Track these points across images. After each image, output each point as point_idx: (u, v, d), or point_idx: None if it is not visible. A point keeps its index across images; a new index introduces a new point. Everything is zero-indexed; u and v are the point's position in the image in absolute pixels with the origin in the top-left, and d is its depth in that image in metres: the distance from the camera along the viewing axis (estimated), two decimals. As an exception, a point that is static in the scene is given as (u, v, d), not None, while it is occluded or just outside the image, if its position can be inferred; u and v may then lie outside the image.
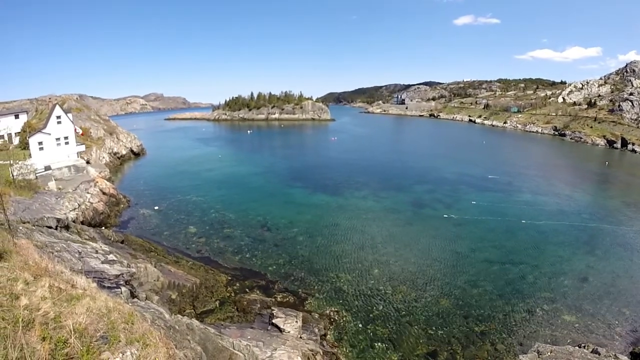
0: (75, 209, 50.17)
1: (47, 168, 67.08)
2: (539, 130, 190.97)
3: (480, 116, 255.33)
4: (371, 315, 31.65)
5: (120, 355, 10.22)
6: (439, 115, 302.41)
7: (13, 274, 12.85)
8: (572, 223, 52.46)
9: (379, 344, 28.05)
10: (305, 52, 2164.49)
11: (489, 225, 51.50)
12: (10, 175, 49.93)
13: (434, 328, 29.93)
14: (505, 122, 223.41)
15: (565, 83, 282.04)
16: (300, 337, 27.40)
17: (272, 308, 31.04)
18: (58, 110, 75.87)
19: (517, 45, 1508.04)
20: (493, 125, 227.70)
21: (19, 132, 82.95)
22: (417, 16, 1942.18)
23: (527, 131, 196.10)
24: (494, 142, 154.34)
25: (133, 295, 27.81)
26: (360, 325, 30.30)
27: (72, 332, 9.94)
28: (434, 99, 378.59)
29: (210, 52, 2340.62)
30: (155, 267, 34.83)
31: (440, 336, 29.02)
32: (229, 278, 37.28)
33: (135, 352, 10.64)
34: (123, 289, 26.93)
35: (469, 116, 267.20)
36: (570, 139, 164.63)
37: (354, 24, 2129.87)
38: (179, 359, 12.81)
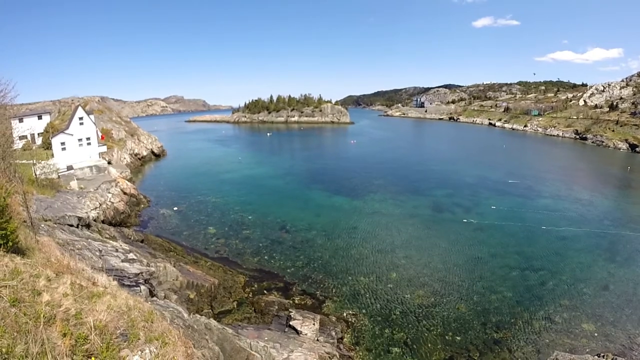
0: (96, 208, 50.90)
1: (70, 168, 68.22)
2: (560, 134, 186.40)
3: (500, 119, 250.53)
4: (388, 319, 31.35)
5: (140, 352, 10.26)
6: (458, 119, 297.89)
7: (35, 270, 13.02)
8: (593, 229, 51.32)
9: (396, 348, 27.75)
10: (324, 55, 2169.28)
11: (509, 231, 50.69)
12: (33, 174, 50.85)
13: (451, 334, 29.51)
14: (525, 126, 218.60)
15: (586, 85, 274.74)
16: (317, 340, 27.29)
17: (290, 310, 30.98)
18: (80, 112, 77.19)
19: (537, 47, 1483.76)
20: (513, 129, 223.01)
21: (41, 133, 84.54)
22: (435, 18, 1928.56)
23: (547, 135, 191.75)
24: (514, 146, 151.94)
25: (152, 293, 28.07)
26: (377, 329, 30.02)
27: (93, 329, 10.01)
28: (453, 102, 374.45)
29: (230, 55, 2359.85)
30: (174, 266, 35.10)
31: (458, 342, 28.58)
32: (247, 279, 37.36)
33: (154, 350, 10.68)
34: (142, 287, 27.19)
35: (489, 119, 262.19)
36: (592, 142, 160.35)
37: (372, 27, 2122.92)
38: (197, 358, 12.82)
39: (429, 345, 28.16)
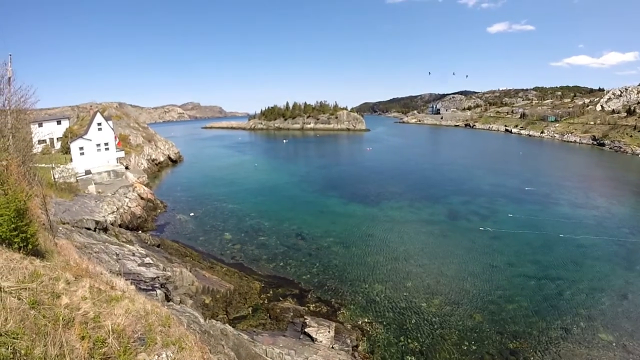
0: (113, 212, 51.46)
1: (88, 172, 69.26)
2: (577, 140, 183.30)
3: (516, 126, 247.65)
4: (404, 327, 31.00)
5: (156, 357, 10.25)
6: (474, 125, 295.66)
7: (55, 273, 13.12)
8: (611, 237, 50.30)
9: (411, 357, 27.38)
10: (340, 62, 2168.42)
11: (526, 239, 49.98)
12: (52, 177, 51.63)
13: (467, 343, 29.06)
14: (542, 132, 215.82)
15: (603, 90, 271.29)
16: (332, 348, 27.07)
17: (305, 317, 30.82)
18: (99, 118, 78.50)
19: (552, 52, 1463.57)
20: (530, 135, 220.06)
21: (60, 137, 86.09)
22: (449, 25, 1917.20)
23: (564, 141, 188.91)
24: (531, 153, 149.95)
25: (168, 298, 28.16)
26: (392, 338, 29.70)
27: (111, 333, 10.03)
28: (469, 108, 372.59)
29: (247, 62, 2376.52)
30: (190, 271, 35.20)
31: (474, 352, 28.11)
32: (263, 285, 37.31)
33: (171, 354, 10.66)
34: (158, 291, 27.29)
35: (505, 126, 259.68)
36: (610, 148, 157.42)
37: (388, 34, 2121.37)
38: (213, 364, 12.78)
39: (444, 354, 27.76)
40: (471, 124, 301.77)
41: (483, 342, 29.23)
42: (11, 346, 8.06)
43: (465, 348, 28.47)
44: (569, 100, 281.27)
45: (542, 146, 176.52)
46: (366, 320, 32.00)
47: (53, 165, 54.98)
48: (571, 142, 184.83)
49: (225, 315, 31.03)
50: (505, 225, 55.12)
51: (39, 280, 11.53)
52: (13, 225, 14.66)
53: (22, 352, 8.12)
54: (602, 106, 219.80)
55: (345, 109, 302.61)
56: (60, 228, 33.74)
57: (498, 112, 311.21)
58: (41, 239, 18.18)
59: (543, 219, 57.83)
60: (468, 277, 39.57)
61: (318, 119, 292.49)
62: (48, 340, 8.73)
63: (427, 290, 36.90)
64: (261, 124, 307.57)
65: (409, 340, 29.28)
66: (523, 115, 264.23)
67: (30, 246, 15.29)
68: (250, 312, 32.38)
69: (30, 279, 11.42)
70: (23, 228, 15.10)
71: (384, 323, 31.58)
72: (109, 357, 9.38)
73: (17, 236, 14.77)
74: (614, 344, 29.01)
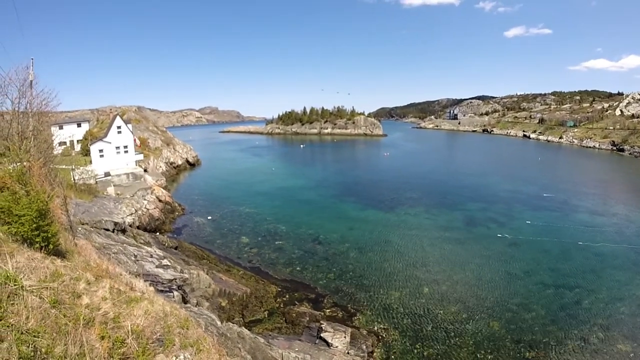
0: (132, 213, 51.99)
1: (107, 174, 70.29)
2: (596, 146, 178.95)
3: (534, 131, 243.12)
4: (420, 334, 30.65)
5: (174, 358, 10.27)
6: (492, 131, 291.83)
7: (76, 273, 13.24)
8: (631, 245, 49.10)
9: (427, 365, 27.15)
10: (357, 67, 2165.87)
11: (544, 246, 49.17)
12: (72, 179, 52.43)
13: (483, 352, 28.59)
14: (560, 137, 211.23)
15: (622, 94, 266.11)
16: (348, 353, 26.89)
17: (321, 322, 30.67)
18: (119, 121, 79.81)
19: (570, 56, 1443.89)
20: (548, 141, 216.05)
21: (80, 140, 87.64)
22: (466, 29, 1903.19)
23: (583, 146, 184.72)
24: (550, 159, 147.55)
25: (184, 300, 28.29)
26: (408, 345, 29.36)
27: (130, 333, 10.08)
28: (487, 113, 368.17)
29: (264, 67, 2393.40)
30: (207, 274, 35.36)
31: (490, 361, 27.78)
32: (279, 289, 37.28)
33: (189, 356, 10.66)
34: (175, 293, 27.44)
35: (523, 131, 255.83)
36: (629, 154, 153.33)
37: (404, 39, 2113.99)
38: (231, 367, 12.76)
39: (461, 363, 27.44)
40: (489, 130, 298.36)
41: (499, 351, 28.75)
42: (32, 344, 8.14)
43: (481, 357, 28.03)
44: (588, 104, 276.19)
45: (560, 152, 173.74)
46: (382, 326, 31.73)
47: (73, 167, 55.82)
48: (590, 147, 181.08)
49: (241, 318, 31.07)
50: (523, 232, 54.33)
51: (60, 280, 11.64)
52: (35, 225, 14.86)
53: (43, 350, 8.19)
54: (621, 111, 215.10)
55: (363, 114, 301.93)
56: (80, 228, 34.19)
57: (516, 117, 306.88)
58: (62, 239, 18.41)
59: (561, 226, 56.90)
60: (485, 285, 39.04)
61: (335, 124, 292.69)
62: (68, 339, 8.80)
63: (443, 297, 36.48)
64: (278, 128, 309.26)
65: (425, 348, 28.93)
66: (541, 121, 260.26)
67: (51, 246, 15.48)
68: (266, 316, 32.38)
69: (52, 278, 11.54)
70: (44, 228, 15.30)
71: (400, 329, 31.27)
72: (127, 357, 9.42)
73: (39, 236, 14.97)
74: (632, 354, 28.28)
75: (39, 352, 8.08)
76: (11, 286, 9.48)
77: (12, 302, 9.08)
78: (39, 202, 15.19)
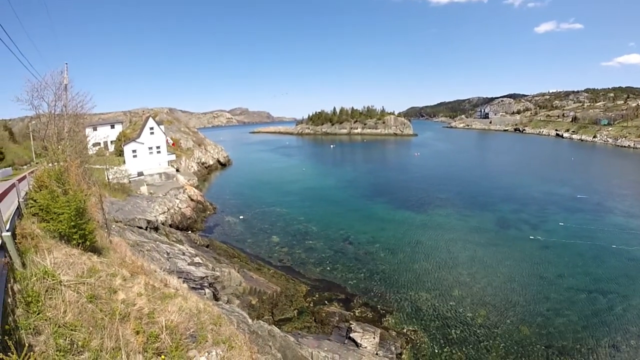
0: (164, 212, 52.97)
1: (140, 174, 71.85)
2: (632, 145, 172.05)
3: (567, 130, 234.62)
4: (449, 337, 30.15)
5: (206, 354, 10.35)
6: (524, 130, 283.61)
7: (112, 269, 13.54)
8: (668, 250, 47.40)
9: (456, 369, 26.73)
10: (387, 66, 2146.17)
11: (577, 250, 47.64)
12: (106, 178, 53.80)
13: (512, 357, 27.86)
14: (594, 136, 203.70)
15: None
16: (377, 354, 26.69)
17: (350, 322, 30.56)
18: (151, 122, 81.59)
19: (602, 51, 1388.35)
20: (582, 140, 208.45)
21: (114, 141, 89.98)
22: (496, 26, 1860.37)
23: (618, 146, 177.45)
24: (583, 159, 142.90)
25: (215, 297, 28.61)
26: (436, 348, 28.92)
27: (164, 329, 10.23)
28: (518, 112, 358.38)
29: (295, 68, 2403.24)
30: (238, 272, 35.70)
31: (520, 366, 27.14)
32: (309, 288, 37.30)
33: (221, 352, 10.74)
34: (207, 290, 27.79)
35: (556, 130, 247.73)
36: None
37: (434, 37, 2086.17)
38: (261, 365, 12.81)
39: (490, 368, 26.91)
40: (521, 129, 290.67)
41: (529, 356, 27.99)
42: (69, 337, 8.33)
43: (511, 362, 27.47)
44: (622, 102, 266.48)
45: (594, 151, 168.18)
46: (411, 328, 31.37)
47: (107, 167, 57.20)
48: (625, 147, 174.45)
49: (271, 317, 31.22)
50: (556, 234, 52.88)
51: (96, 276, 11.92)
52: (73, 223, 15.26)
53: (80, 343, 8.38)
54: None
55: (393, 113, 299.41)
56: (114, 226, 35.00)
57: (548, 115, 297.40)
58: (97, 237, 18.87)
59: (595, 228, 55.11)
60: (516, 288, 38.14)
61: (365, 124, 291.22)
62: (104, 333, 8.99)
63: (473, 300, 35.81)
64: (308, 128, 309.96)
65: (454, 351, 28.43)
66: (574, 119, 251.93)
67: (88, 243, 15.89)
68: (296, 315, 32.43)
69: (89, 274, 11.83)
70: (82, 226, 15.72)
71: (429, 332, 30.84)
72: (161, 352, 9.55)
73: (76, 233, 15.38)
74: (666, 365, 27.26)
75: (75, 345, 8.27)
76: (49, 281, 9.75)
77: (50, 296, 9.34)
78: (77, 201, 15.59)
